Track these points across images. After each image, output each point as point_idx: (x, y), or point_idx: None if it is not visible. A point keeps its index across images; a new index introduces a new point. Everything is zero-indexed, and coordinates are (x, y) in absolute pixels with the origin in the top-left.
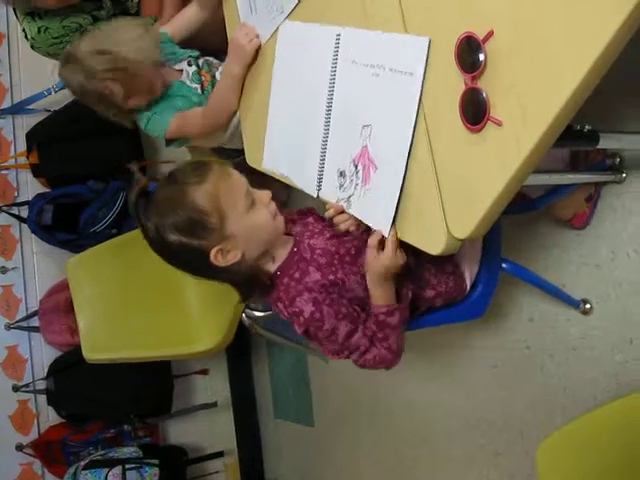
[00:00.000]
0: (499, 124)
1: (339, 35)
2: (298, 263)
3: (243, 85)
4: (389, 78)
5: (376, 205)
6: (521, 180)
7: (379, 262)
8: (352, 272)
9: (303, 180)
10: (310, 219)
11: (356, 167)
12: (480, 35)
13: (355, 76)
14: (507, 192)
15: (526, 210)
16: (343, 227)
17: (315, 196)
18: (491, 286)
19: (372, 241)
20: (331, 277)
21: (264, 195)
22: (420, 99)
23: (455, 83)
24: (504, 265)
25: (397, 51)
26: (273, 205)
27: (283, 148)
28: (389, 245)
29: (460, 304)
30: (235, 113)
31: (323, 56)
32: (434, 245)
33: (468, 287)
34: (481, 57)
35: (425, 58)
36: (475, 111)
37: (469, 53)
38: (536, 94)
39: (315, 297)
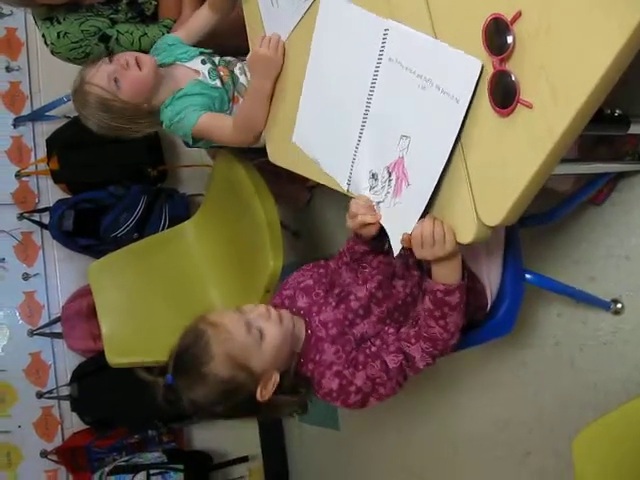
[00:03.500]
0: (529, 107)
1: (387, 30)
2: (316, 345)
3: None
4: (436, 96)
5: (400, 222)
6: (553, 164)
7: (427, 253)
8: (362, 325)
9: (334, 169)
10: (309, 281)
11: (390, 175)
12: (508, 17)
13: (400, 81)
14: (539, 177)
15: (545, 222)
16: (367, 219)
17: (345, 190)
18: (516, 301)
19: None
20: (343, 341)
21: (260, 310)
22: (462, 127)
23: (483, 66)
24: (528, 276)
25: (447, 67)
26: (272, 311)
27: (315, 131)
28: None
29: (487, 323)
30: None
31: (368, 48)
32: (464, 234)
33: (489, 304)
34: (509, 39)
35: (474, 85)
36: (504, 94)
37: (497, 35)
38: (567, 75)
39: (336, 370)
